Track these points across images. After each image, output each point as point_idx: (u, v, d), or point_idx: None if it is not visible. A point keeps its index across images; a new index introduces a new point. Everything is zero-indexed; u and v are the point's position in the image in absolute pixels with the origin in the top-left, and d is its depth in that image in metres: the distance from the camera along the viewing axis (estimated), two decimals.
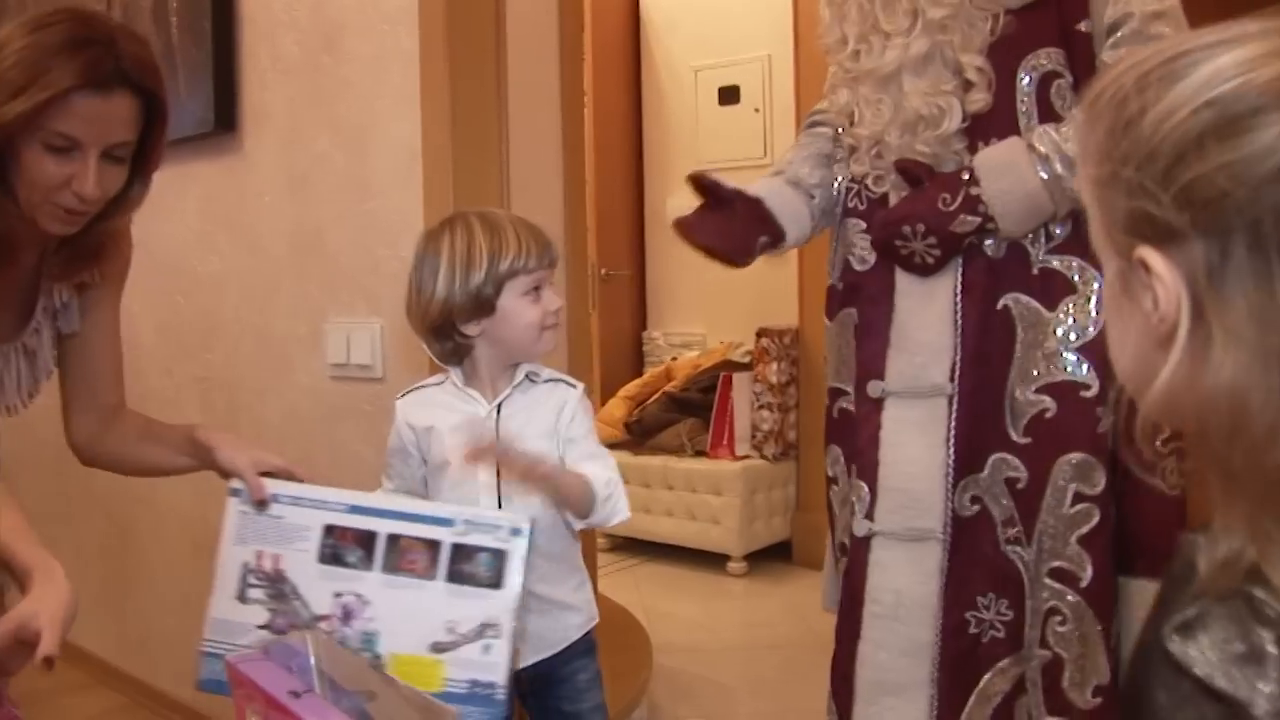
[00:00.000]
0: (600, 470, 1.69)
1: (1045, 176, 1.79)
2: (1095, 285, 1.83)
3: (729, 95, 4.40)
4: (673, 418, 4.21)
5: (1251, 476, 0.69)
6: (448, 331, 1.73)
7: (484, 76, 2.51)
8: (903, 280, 1.95)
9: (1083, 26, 1.84)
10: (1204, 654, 0.66)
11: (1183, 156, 0.70)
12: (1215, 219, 0.69)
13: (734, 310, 4.22)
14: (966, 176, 1.85)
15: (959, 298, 1.89)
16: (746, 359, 4.20)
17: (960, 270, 1.90)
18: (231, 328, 2.87)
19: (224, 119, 2.76)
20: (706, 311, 4.50)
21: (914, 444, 1.89)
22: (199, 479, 1.77)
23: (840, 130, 2.10)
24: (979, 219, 1.84)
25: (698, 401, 4.25)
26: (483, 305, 1.70)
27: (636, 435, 4.24)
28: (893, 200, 1.95)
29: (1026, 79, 1.85)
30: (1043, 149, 1.79)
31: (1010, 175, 1.81)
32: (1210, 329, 0.69)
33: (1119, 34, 1.79)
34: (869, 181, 2.00)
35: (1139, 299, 0.74)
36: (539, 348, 1.76)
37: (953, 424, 1.87)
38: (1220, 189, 0.68)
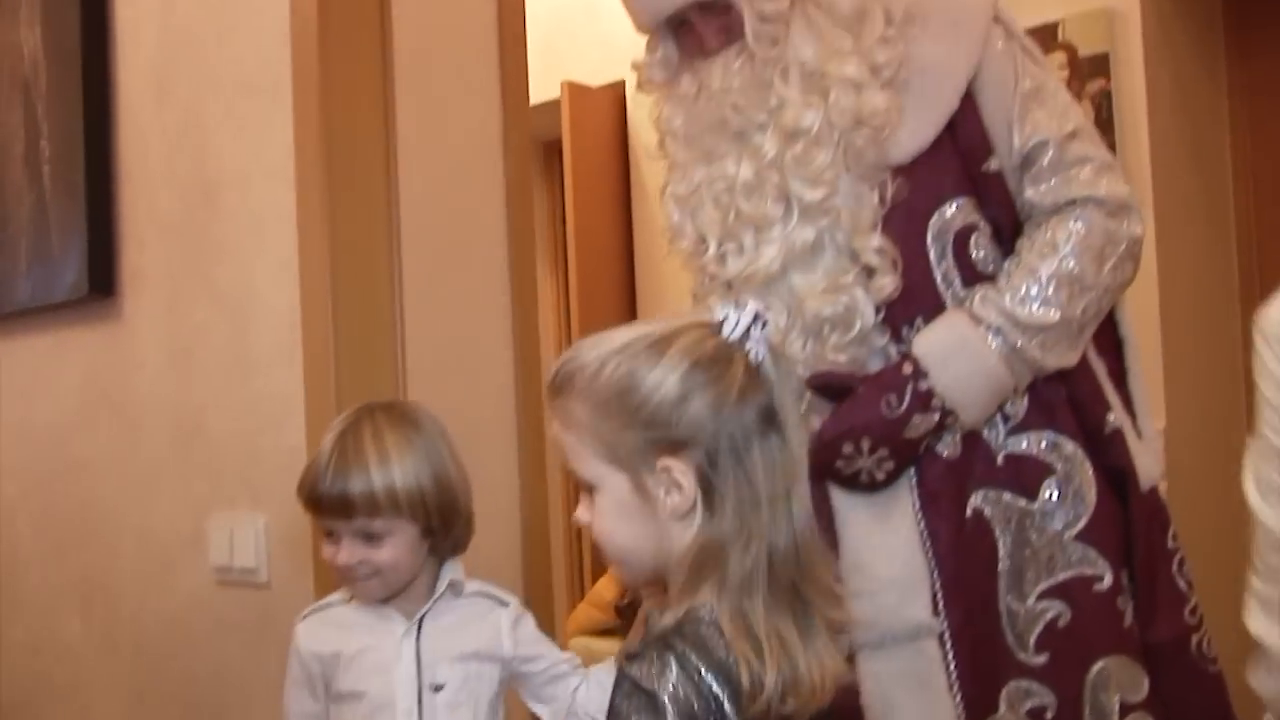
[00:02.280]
0: (595, 691, 1.62)
1: (1001, 350, 1.60)
2: (1078, 457, 1.64)
3: None
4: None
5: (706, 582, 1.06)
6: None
7: (373, 237, 2.16)
8: (844, 503, 1.65)
9: (990, 165, 1.68)
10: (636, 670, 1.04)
11: (679, 402, 1.08)
12: (702, 434, 1.07)
13: None
14: (909, 370, 1.61)
15: (919, 513, 1.64)
16: None
17: (915, 479, 1.65)
18: (111, 522, 2.56)
19: (101, 282, 2.47)
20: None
21: (909, 705, 1.60)
22: None
23: None
24: (936, 415, 1.60)
25: None
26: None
27: (627, 619, 3.85)
28: (816, 422, 1.65)
29: (938, 241, 1.66)
30: (991, 319, 1.60)
31: (962, 358, 1.60)
32: (713, 499, 1.07)
33: (1039, 165, 1.66)
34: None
35: (656, 496, 1.09)
36: None
37: (952, 666, 1.60)
38: (704, 417, 1.07)
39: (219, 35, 2.29)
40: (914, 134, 1.66)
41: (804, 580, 1.08)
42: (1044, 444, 1.65)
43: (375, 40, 2.18)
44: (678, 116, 1.77)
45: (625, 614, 3.81)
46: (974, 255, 1.67)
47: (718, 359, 1.08)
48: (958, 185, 1.68)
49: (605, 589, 3.97)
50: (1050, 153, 1.65)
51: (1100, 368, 1.73)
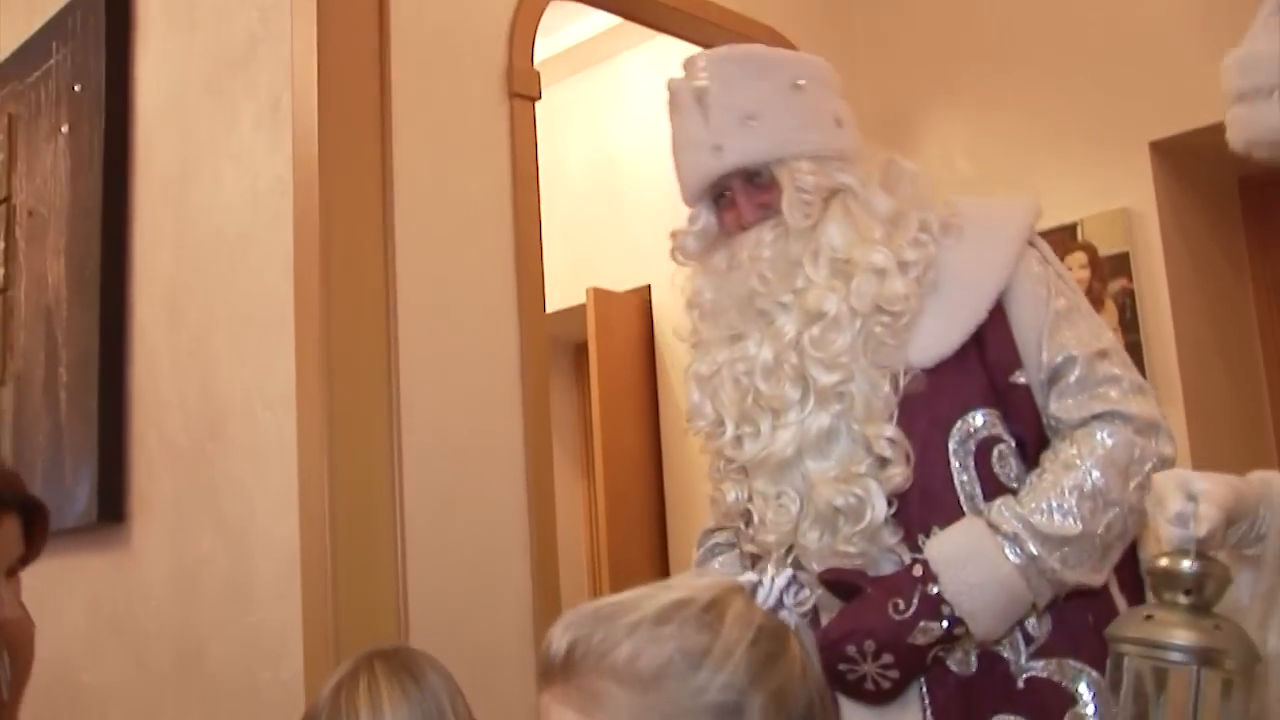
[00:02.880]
0: None
1: (1018, 561, 1.53)
2: (1090, 691, 1.54)
3: None
4: None
5: None
6: None
7: (374, 470, 2.16)
8: (850, 713, 1.58)
9: (1017, 378, 1.65)
10: None
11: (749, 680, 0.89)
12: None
13: None
14: (919, 573, 1.55)
15: None
16: None
17: (925, 696, 1.56)
18: None
19: (111, 510, 2.51)
20: None
21: None
22: None
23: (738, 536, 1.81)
24: (944, 624, 1.52)
25: None
26: None
27: None
28: (824, 620, 1.61)
29: (960, 451, 1.62)
30: (1008, 527, 1.54)
31: (975, 565, 1.53)
32: None
33: (1065, 382, 1.63)
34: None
35: None
36: None
37: None
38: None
39: (228, 269, 2.35)
40: (939, 339, 1.65)
41: None
42: (1068, 670, 1.57)
43: (379, 277, 2.23)
44: (708, 289, 1.76)
45: None
46: (996, 468, 1.62)
47: (777, 632, 0.95)
48: (983, 396, 1.65)
49: None
50: (1078, 369, 1.63)
51: (1123, 605, 1.65)
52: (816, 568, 1.60)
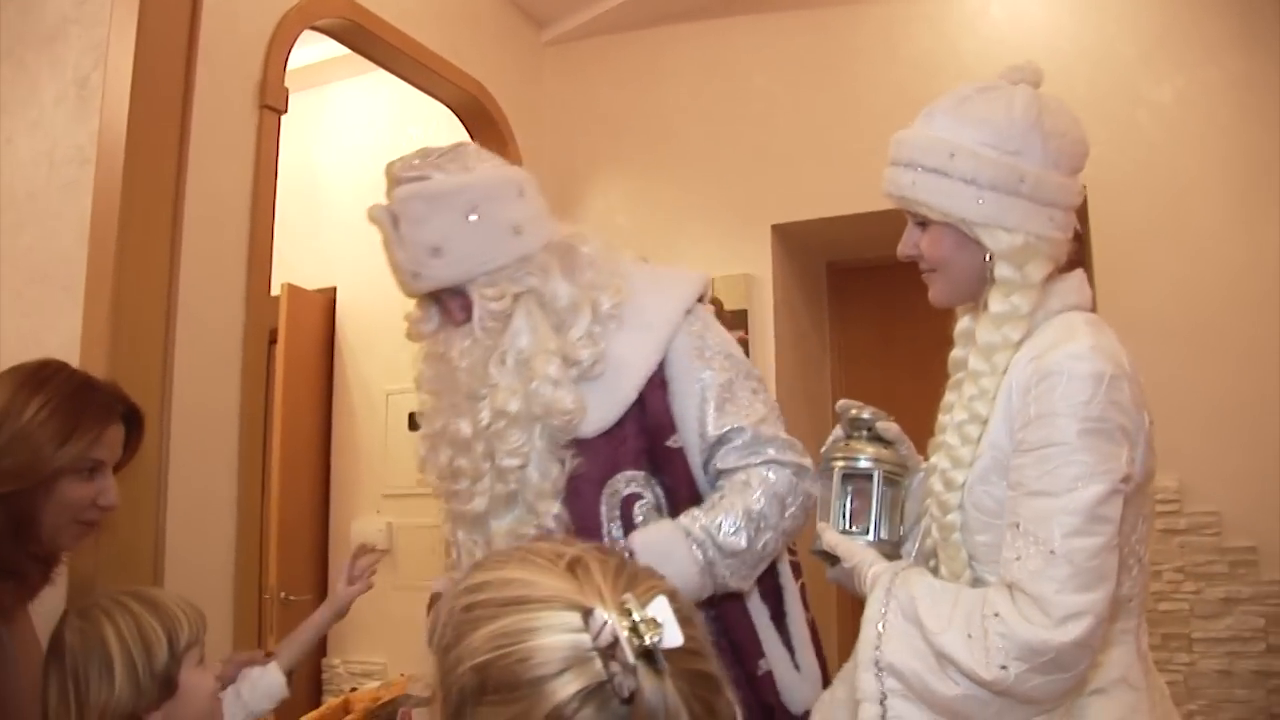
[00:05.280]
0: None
1: (701, 562, 1.82)
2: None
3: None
4: None
5: None
6: None
7: (148, 386, 2.43)
8: None
9: (674, 443, 1.93)
10: None
11: (459, 709, 0.86)
12: None
13: (417, 640, 4.05)
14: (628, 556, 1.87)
15: None
16: (428, 692, 4.06)
17: None
18: None
19: None
20: (389, 641, 4.35)
21: None
22: None
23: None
24: None
25: None
26: (168, 687, 1.63)
27: None
28: None
29: (608, 505, 1.91)
30: (697, 534, 1.83)
31: (671, 561, 1.81)
32: None
33: (733, 445, 1.91)
34: None
35: None
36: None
37: None
38: None
39: (14, 226, 2.53)
40: (600, 416, 1.91)
41: None
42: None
43: (166, 250, 2.49)
44: (429, 372, 2.03)
45: None
46: (636, 519, 1.90)
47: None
48: (634, 459, 1.91)
49: None
50: (745, 435, 1.90)
51: (763, 613, 1.98)
52: None
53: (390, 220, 1.92)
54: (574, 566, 0.89)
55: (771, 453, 1.91)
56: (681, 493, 1.93)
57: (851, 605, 3.38)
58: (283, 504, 4.07)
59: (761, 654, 1.96)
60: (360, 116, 4.62)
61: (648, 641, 0.82)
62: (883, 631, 1.50)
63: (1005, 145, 1.54)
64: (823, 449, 1.82)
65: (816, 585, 2.14)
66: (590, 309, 1.93)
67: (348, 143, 4.61)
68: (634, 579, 0.89)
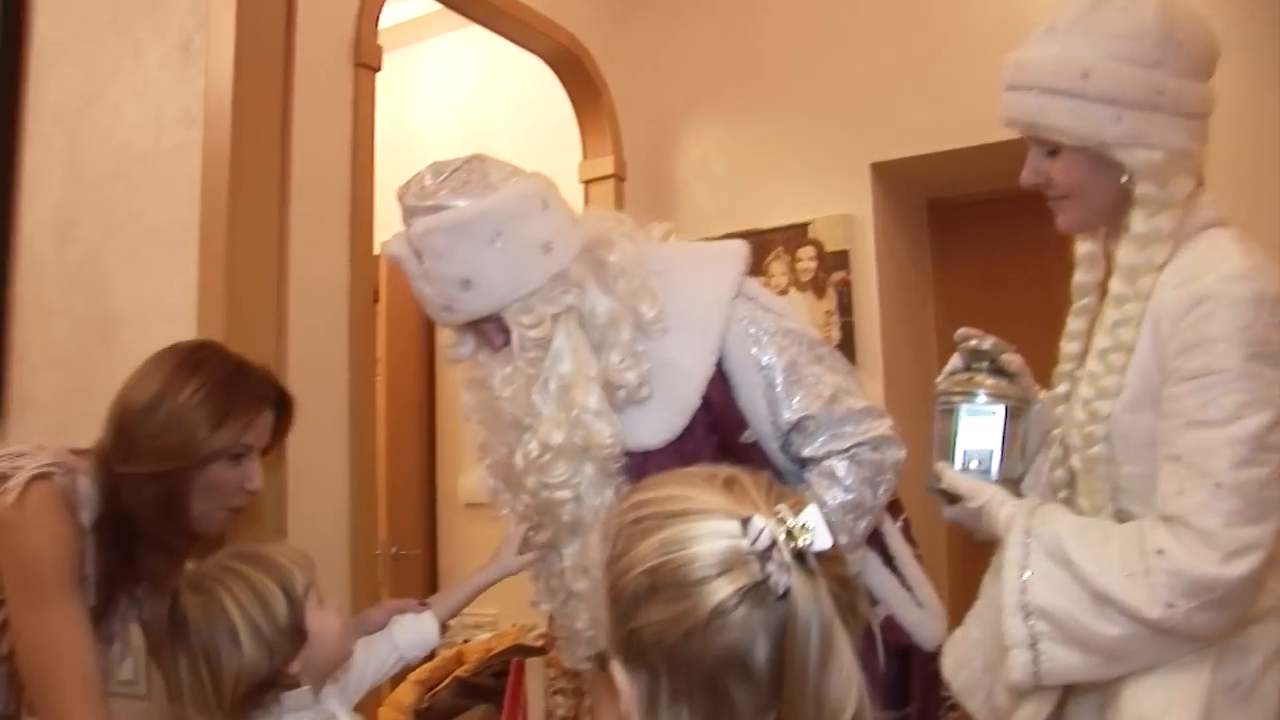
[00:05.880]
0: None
1: None
2: None
3: None
4: (464, 704, 4.01)
5: None
6: (258, 695, 1.60)
7: (263, 344, 2.46)
8: None
9: (747, 438, 1.90)
10: None
11: (629, 610, 0.96)
12: (645, 661, 0.96)
13: (527, 591, 4.09)
14: None
15: None
16: (540, 642, 4.09)
17: None
18: None
19: None
20: (500, 593, 4.39)
21: None
22: None
23: None
24: None
25: (490, 686, 4.08)
26: (298, 637, 1.62)
27: None
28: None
29: None
30: None
31: None
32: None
33: (808, 431, 1.87)
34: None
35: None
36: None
37: None
38: (649, 641, 0.94)
39: (125, 191, 2.58)
40: (665, 425, 1.87)
41: None
42: None
43: (275, 207, 2.53)
44: (473, 399, 1.99)
45: (424, 717, 4.01)
46: None
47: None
48: (712, 460, 1.82)
49: (405, 694, 4.11)
50: (818, 419, 1.86)
51: (872, 559, 1.97)
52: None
53: (412, 255, 1.83)
54: (729, 484, 0.99)
55: (851, 435, 1.87)
56: None
57: (964, 541, 3.35)
58: (390, 461, 4.12)
59: (875, 600, 1.94)
60: (452, 73, 4.62)
61: (800, 544, 0.92)
62: (1028, 574, 1.47)
63: (1142, 58, 1.45)
64: (938, 380, 1.77)
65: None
66: (631, 321, 1.86)
67: (440, 100, 4.61)
68: (783, 494, 0.99)
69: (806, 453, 1.88)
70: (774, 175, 4.00)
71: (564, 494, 1.84)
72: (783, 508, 0.95)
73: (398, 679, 4.25)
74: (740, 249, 2.03)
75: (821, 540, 0.93)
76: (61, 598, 1.65)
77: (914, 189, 4.20)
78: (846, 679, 0.92)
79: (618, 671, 0.99)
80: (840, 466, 1.86)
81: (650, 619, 0.94)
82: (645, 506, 0.98)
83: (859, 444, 1.87)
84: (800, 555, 0.92)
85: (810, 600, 0.91)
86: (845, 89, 3.90)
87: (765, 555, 0.92)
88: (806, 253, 3.89)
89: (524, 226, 1.80)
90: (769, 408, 1.87)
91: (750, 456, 1.88)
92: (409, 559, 4.24)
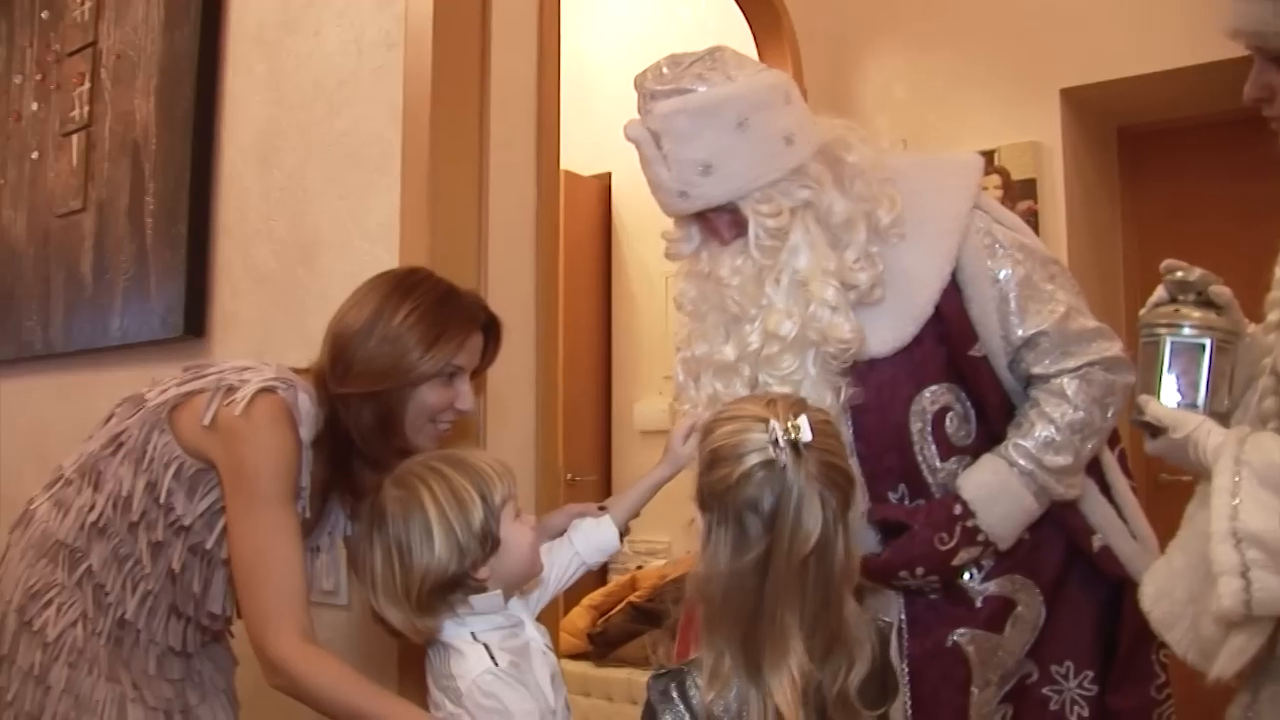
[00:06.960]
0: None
1: (1033, 489, 1.82)
2: (1030, 588, 1.87)
3: None
4: (638, 628, 4.06)
5: (713, 618, 1.49)
6: (444, 593, 1.63)
7: (465, 267, 2.47)
8: None
9: (976, 351, 1.86)
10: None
11: (704, 470, 1.51)
12: (706, 504, 1.50)
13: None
14: (959, 511, 1.83)
15: (903, 637, 1.87)
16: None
17: (902, 605, 1.88)
18: None
19: (193, 325, 2.73)
20: (673, 520, 4.42)
21: None
22: None
23: None
24: (979, 548, 1.84)
25: (664, 612, 4.12)
26: (489, 543, 1.64)
27: (600, 646, 4.07)
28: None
29: (918, 423, 1.86)
30: (1024, 465, 1.82)
31: (1004, 500, 1.82)
32: (717, 549, 1.48)
33: (1041, 347, 1.84)
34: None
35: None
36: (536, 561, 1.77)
37: None
38: (709, 491, 1.49)
39: (326, 114, 2.61)
40: (895, 333, 1.85)
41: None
42: (1015, 584, 1.87)
43: (475, 127, 2.54)
44: (691, 291, 1.97)
45: (597, 641, 4.08)
46: (949, 430, 1.86)
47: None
48: (940, 373, 1.85)
49: (579, 617, 4.20)
50: (1051, 337, 1.83)
51: (1090, 488, 1.93)
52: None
53: (651, 139, 1.82)
54: (770, 403, 1.51)
55: (1083, 354, 1.84)
56: (990, 399, 1.88)
57: (1150, 483, 3.24)
58: (567, 387, 4.16)
59: (1093, 530, 1.91)
60: (618, 3, 4.60)
61: (793, 436, 1.44)
62: (1239, 500, 1.40)
63: None
64: (1142, 312, 1.69)
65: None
66: (866, 224, 1.84)
67: (616, 28, 4.60)
68: (799, 406, 1.51)
69: (1036, 370, 1.85)
70: (958, 102, 3.90)
71: (784, 388, 1.80)
72: (790, 415, 1.47)
73: (570, 602, 4.36)
74: (976, 161, 2.00)
75: (805, 435, 1.45)
76: (277, 507, 1.70)
77: (1104, 116, 4.04)
78: (813, 520, 1.43)
79: (696, 513, 1.53)
80: (1070, 385, 1.83)
81: (713, 477, 1.48)
82: (722, 412, 1.57)
83: (1090, 363, 1.84)
84: (793, 444, 1.44)
85: (795, 471, 1.44)
86: (1033, 11, 3.77)
87: (775, 444, 1.44)
88: (992, 181, 3.79)
89: (769, 115, 1.79)
90: (1000, 323, 1.84)
91: (978, 370, 1.86)
92: (584, 484, 4.29)
